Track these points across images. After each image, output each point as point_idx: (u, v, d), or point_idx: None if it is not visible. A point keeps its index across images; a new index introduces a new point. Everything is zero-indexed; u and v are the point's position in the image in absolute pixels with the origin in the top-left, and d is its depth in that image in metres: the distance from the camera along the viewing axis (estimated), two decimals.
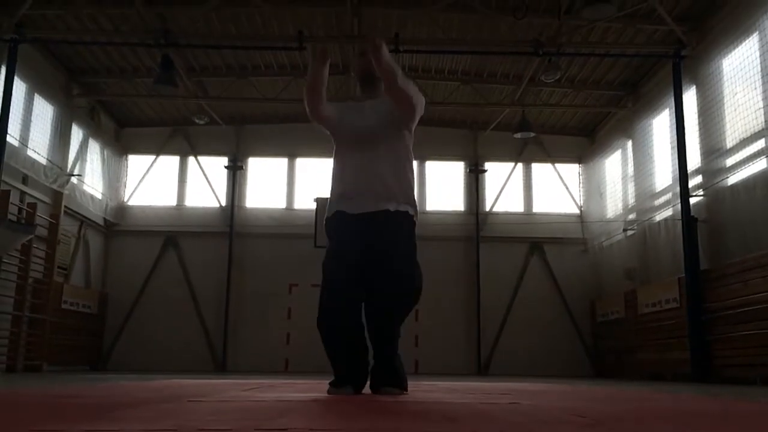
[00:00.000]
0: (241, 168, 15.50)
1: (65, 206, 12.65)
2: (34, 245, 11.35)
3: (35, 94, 11.85)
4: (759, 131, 8.92)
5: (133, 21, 11.07)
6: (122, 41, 11.74)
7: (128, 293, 14.66)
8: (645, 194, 12.48)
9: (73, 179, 12.81)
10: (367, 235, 3.62)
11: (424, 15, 10.49)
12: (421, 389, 4.49)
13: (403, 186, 3.80)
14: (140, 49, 11.93)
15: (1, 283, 10.65)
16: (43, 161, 11.86)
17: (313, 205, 14.12)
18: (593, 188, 14.99)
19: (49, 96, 12.24)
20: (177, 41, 11.19)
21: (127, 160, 15.59)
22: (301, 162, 15.47)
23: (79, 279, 13.75)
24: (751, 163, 9.11)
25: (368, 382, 3.65)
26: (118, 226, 15.05)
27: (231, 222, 15.07)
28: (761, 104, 8.83)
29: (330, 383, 3.55)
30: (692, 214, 10.28)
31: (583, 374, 14.17)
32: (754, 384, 8.43)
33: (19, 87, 11.09)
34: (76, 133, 13.20)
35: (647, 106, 12.57)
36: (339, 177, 3.80)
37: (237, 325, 14.62)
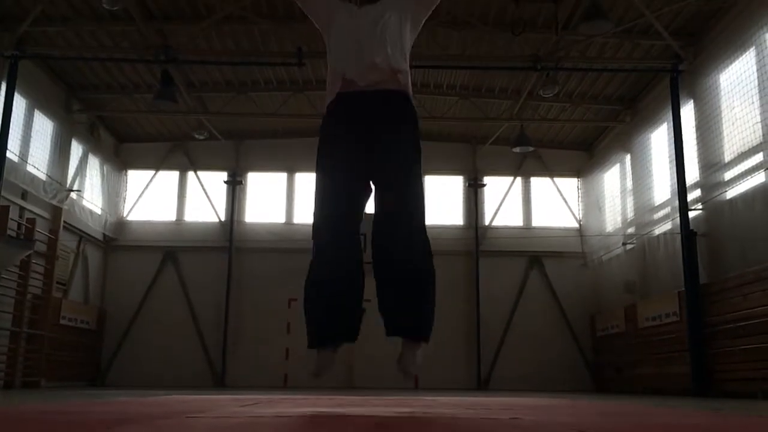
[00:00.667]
0: (240, 183, 15.53)
1: (64, 221, 12.65)
2: (33, 261, 11.33)
3: (35, 109, 11.89)
4: (757, 145, 8.95)
5: (133, 37, 11.14)
6: (122, 57, 11.80)
7: (127, 308, 14.62)
8: (644, 208, 12.50)
9: (73, 194, 12.82)
10: (371, 121, 3.06)
11: (422, 31, 10.56)
12: (422, 404, 4.47)
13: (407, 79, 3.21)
14: (140, 65, 11.98)
15: (0, 299, 10.62)
16: (43, 177, 11.88)
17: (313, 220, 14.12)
18: (592, 202, 15.01)
19: (49, 112, 12.28)
20: (177, 57, 11.25)
21: (126, 175, 15.61)
22: (300, 177, 15.49)
23: (78, 294, 13.72)
24: (749, 177, 9.13)
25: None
26: (117, 241, 15.04)
27: (230, 237, 15.07)
28: (759, 118, 8.87)
29: (309, 345, 3.07)
30: (691, 227, 10.29)
31: (583, 389, 14.11)
32: (755, 398, 8.40)
33: (20, 103, 11.13)
34: (76, 149, 13.22)
35: (645, 120, 12.62)
36: (337, 59, 3.21)
37: (236, 340, 14.57)
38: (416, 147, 3.11)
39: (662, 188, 11.74)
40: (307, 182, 15.28)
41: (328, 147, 3.15)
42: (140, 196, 15.47)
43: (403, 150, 3.07)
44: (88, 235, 13.96)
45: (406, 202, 3.04)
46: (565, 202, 15.57)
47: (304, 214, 14.79)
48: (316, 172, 3.13)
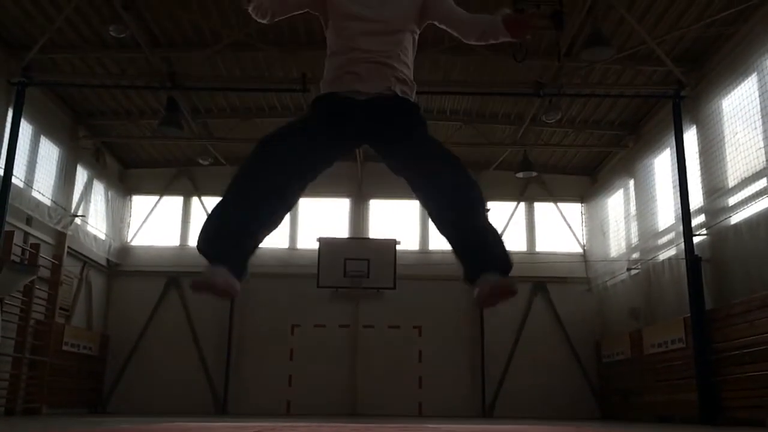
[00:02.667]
0: None
1: (68, 247, 12.66)
2: (37, 286, 11.32)
3: (41, 135, 11.97)
4: (760, 170, 8.95)
5: (139, 64, 11.26)
6: (128, 84, 11.90)
7: (130, 334, 14.55)
8: (648, 233, 12.46)
9: (77, 220, 12.84)
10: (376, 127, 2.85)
11: (426, 57, 10.64)
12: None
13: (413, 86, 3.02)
14: (146, 91, 12.08)
15: (3, 325, 10.59)
16: (48, 202, 11.92)
17: (316, 245, 14.12)
18: (596, 227, 14.97)
19: (55, 138, 12.37)
20: (182, 84, 11.35)
21: (131, 200, 15.65)
22: (303, 202, 15.51)
23: (81, 320, 13.67)
24: (753, 203, 9.11)
25: None
26: (120, 266, 15.03)
27: None
28: (762, 144, 8.88)
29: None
30: (696, 253, 10.24)
31: (589, 416, 13.95)
32: (763, 426, 8.29)
33: (26, 129, 11.22)
34: (81, 174, 13.29)
35: (648, 145, 12.65)
36: (338, 55, 2.96)
37: (239, 367, 14.47)
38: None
39: (666, 213, 11.71)
40: (310, 207, 15.29)
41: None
42: (144, 222, 15.50)
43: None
44: (92, 260, 13.96)
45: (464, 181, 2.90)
46: (569, 227, 15.53)
47: (308, 239, 14.77)
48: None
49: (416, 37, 3.07)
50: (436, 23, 3.04)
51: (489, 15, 2.96)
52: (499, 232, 2.99)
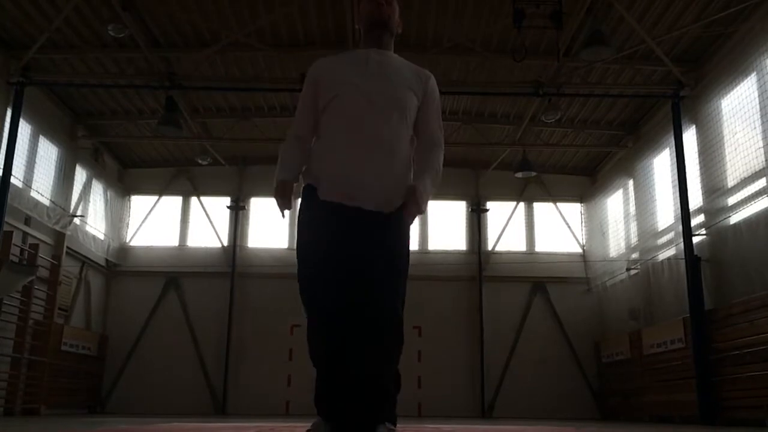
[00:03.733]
0: (243, 208, 15.54)
1: (67, 247, 12.65)
2: (35, 286, 11.30)
3: (40, 135, 11.96)
4: (759, 170, 8.94)
5: (138, 64, 11.25)
6: (127, 84, 11.89)
7: (128, 334, 14.54)
8: (647, 233, 12.46)
9: (76, 220, 12.83)
10: (360, 243, 2.85)
11: (424, 58, 10.63)
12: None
13: (406, 176, 3.02)
14: (145, 91, 12.07)
15: (1, 325, 10.57)
16: (47, 202, 11.90)
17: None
18: (595, 227, 14.97)
19: (53, 138, 12.35)
20: (181, 84, 11.34)
21: (129, 200, 15.64)
22: None
23: (80, 320, 13.66)
24: (753, 202, 9.11)
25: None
26: (119, 266, 15.02)
27: (233, 262, 15.03)
28: (761, 143, 8.88)
29: (315, 424, 2.87)
30: (695, 253, 10.24)
31: (588, 416, 13.95)
32: (763, 426, 8.28)
33: (25, 129, 11.21)
34: (80, 174, 13.28)
35: (648, 145, 12.64)
36: (331, 149, 2.95)
37: (237, 367, 14.46)
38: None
39: (665, 213, 11.71)
40: None
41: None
42: (143, 222, 15.49)
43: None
44: (91, 260, 13.94)
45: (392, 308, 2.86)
46: (569, 227, 15.53)
47: None
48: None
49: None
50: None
51: (425, 168, 3.08)
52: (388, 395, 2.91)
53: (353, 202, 2.83)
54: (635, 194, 13.11)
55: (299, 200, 3.04)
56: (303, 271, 2.89)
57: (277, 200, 2.98)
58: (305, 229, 2.95)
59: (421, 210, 2.90)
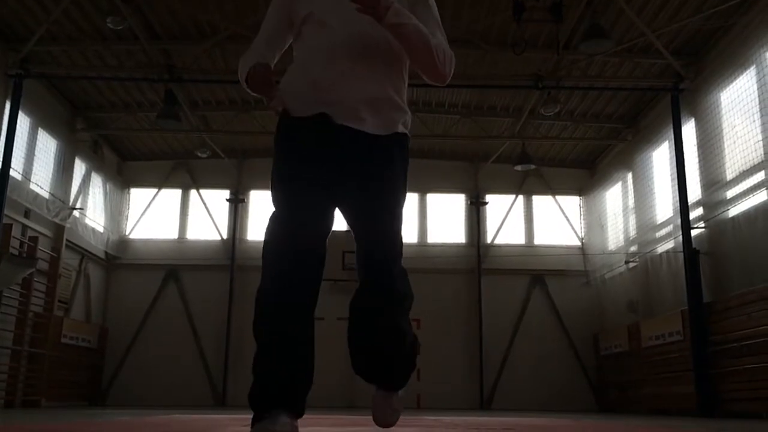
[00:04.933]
0: (242, 201, 15.55)
1: (67, 240, 12.65)
2: (35, 279, 11.32)
3: (39, 128, 11.95)
4: (758, 163, 8.96)
5: (137, 57, 11.23)
6: (126, 76, 11.88)
7: (128, 327, 14.57)
8: (646, 226, 12.48)
9: (75, 213, 12.84)
10: (344, 166, 2.50)
11: None
12: (425, 425, 4.44)
13: (401, 98, 2.65)
14: (144, 84, 12.06)
15: (1, 317, 10.60)
16: (46, 195, 11.90)
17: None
18: (594, 220, 14.99)
19: (52, 130, 12.34)
20: (180, 76, 11.33)
21: (129, 193, 15.64)
22: None
23: (80, 313, 13.68)
24: (751, 195, 9.13)
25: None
26: (119, 259, 15.04)
27: (232, 255, 15.05)
28: (760, 137, 8.89)
29: (254, 418, 2.39)
30: (694, 246, 10.27)
31: (586, 408, 14.00)
32: (761, 418, 8.32)
33: (24, 121, 11.20)
34: (79, 167, 13.27)
35: (647, 138, 12.64)
36: (307, 62, 2.60)
37: (237, 360, 14.49)
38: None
39: (664, 206, 11.73)
40: None
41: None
42: (143, 215, 15.49)
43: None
44: (90, 253, 13.96)
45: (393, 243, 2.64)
46: (567, 220, 15.55)
47: None
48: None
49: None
50: None
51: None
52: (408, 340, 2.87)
53: (339, 119, 2.49)
54: (634, 187, 13.12)
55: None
56: (282, 201, 2.46)
57: (258, 91, 2.60)
58: (281, 159, 2.54)
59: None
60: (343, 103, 2.49)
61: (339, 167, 2.50)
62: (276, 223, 2.42)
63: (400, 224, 2.64)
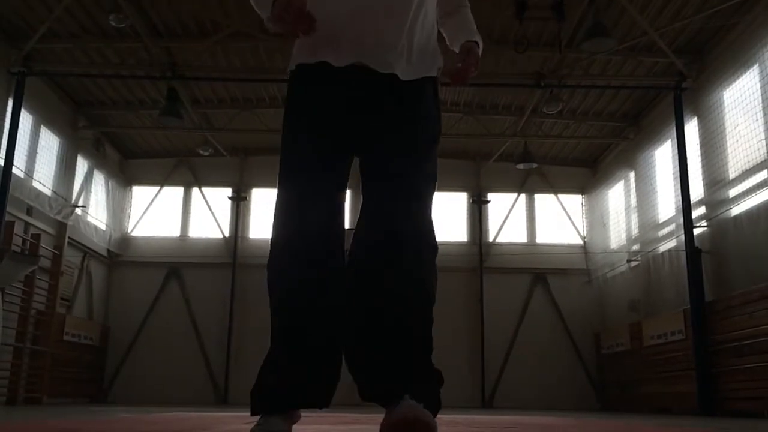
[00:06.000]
0: (244, 199, 15.55)
1: (69, 237, 12.67)
2: (37, 276, 11.34)
3: (41, 125, 11.96)
4: (761, 162, 8.94)
5: (139, 54, 11.23)
6: (129, 74, 11.88)
7: (130, 324, 14.59)
8: (648, 225, 12.47)
9: (78, 210, 12.85)
10: (363, 118, 2.21)
11: None
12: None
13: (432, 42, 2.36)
14: (146, 81, 12.06)
15: (3, 315, 10.61)
16: (48, 192, 11.92)
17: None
18: (596, 219, 14.98)
19: (55, 128, 12.35)
20: (183, 74, 11.34)
21: (131, 191, 15.66)
22: None
23: (82, 310, 13.70)
24: (754, 194, 9.11)
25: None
26: (121, 257, 15.05)
27: (234, 253, 15.06)
28: (763, 135, 8.88)
29: (257, 413, 2.10)
30: (696, 245, 10.25)
31: (588, 407, 13.99)
32: (763, 417, 8.32)
33: (26, 119, 11.20)
34: (81, 165, 13.29)
35: (649, 137, 12.63)
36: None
37: (239, 357, 14.51)
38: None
39: (667, 205, 11.72)
40: None
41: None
42: (145, 212, 15.51)
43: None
44: (93, 251, 13.97)
45: (422, 214, 2.27)
46: (570, 218, 15.54)
47: None
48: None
49: None
50: None
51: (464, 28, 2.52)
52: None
53: (375, 66, 2.17)
54: (636, 186, 13.11)
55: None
56: (293, 166, 2.22)
57: (284, 18, 1.97)
58: (296, 113, 2.26)
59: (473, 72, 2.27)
60: (374, 43, 2.16)
61: (366, 119, 2.21)
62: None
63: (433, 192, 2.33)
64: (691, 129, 10.77)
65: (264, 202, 15.64)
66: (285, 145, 2.29)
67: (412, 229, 2.21)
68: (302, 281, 2.13)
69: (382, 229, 2.16)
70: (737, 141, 9.47)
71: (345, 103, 2.20)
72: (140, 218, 15.49)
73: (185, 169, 15.58)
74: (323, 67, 2.19)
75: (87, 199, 13.44)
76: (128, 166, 15.64)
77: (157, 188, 15.58)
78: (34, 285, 11.29)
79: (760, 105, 8.94)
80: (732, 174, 9.65)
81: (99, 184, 14.12)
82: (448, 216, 15.46)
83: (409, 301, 2.14)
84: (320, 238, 2.16)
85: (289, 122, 2.29)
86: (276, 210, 2.20)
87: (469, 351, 14.59)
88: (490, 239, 15.37)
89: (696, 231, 10.34)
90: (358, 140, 2.24)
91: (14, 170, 10.45)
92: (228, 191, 15.56)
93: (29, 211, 11.49)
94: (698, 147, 10.58)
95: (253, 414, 2.11)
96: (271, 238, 2.19)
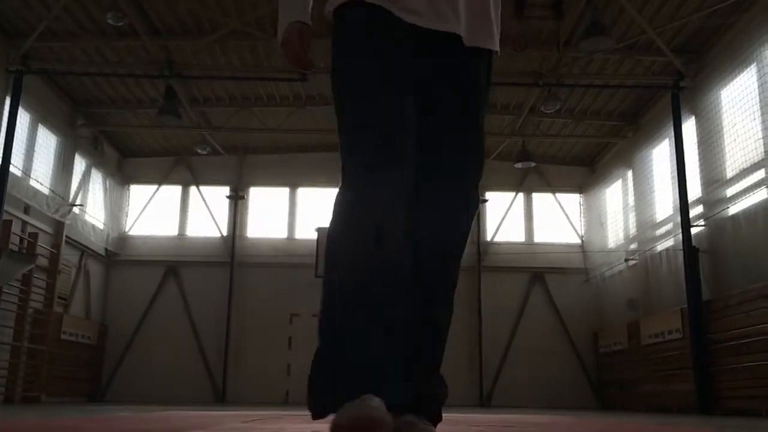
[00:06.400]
0: (242, 198, 15.54)
1: (66, 236, 12.65)
2: (35, 275, 11.32)
3: (39, 124, 11.94)
4: (759, 161, 8.95)
5: (137, 53, 11.22)
6: (127, 73, 11.87)
7: (128, 323, 14.58)
8: (646, 224, 12.48)
9: (75, 209, 12.83)
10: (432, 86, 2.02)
11: None
12: (423, 422, 4.44)
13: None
14: (144, 80, 12.05)
15: (1, 314, 10.60)
16: (46, 191, 11.90)
17: (315, 235, 14.12)
18: (594, 218, 14.99)
19: (53, 126, 12.33)
20: (181, 73, 11.33)
21: (129, 189, 15.64)
22: (302, 192, 15.50)
23: (79, 309, 13.69)
24: (751, 193, 9.12)
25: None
26: (119, 256, 15.04)
27: (232, 252, 15.05)
28: (760, 134, 8.88)
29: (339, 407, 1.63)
30: (694, 244, 10.26)
31: (586, 406, 14.01)
32: (760, 416, 8.33)
33: (24, 117, 11.19)
34: (79, 163, 13.27)
35: (647, 136, 12.64)
36: None
37: (237, 356, 14.51)
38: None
39: (664, 204, 11.73)
40: (309, 197, 15.30)
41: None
42: (142, 211, 15.49)
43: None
44: (90, 249, 13.96)
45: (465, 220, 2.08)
46: (567, 217, 15.55)
47: (306, 229, 14.75)
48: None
49: None
50: None
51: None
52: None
53: (445, 26, 1.96)
54: (634, 185, 13.12)
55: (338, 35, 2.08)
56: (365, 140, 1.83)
57: (290, 53, 1.98)
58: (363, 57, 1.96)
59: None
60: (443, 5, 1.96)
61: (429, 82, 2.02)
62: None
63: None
64: (689, 128, 10.78)
65: (262, 200, 15.64)
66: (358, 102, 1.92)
67: (461, 238, 2.10)
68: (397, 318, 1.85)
69: (441, 239, 2.08)
70: (735, 140, 9.48)
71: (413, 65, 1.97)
72: (138, 217, 15.48)
73: (183, 168, 15.57)
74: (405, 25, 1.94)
75: (85, 197, 13.42)
76: (126, 165, 15.62)
77: (155, 187, 15.56)
78: (32, 284, 11.28)
79: (758, 104, 8.95)
80: (729, 173, 9.66)
81: (97, 183, 14.10)
82: None
83: (443, 317, 2.16)
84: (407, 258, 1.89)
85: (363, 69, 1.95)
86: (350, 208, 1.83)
87: (467, 350, 14.59)
88: (488, 238, 15.38)
89: (693, 230, 10.36)
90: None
91: (12, 169, 10.43)
92: (226, 190, 15.54)
93: (27, 209, 11.47)
94: (696, 146, 10.59)
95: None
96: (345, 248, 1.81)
